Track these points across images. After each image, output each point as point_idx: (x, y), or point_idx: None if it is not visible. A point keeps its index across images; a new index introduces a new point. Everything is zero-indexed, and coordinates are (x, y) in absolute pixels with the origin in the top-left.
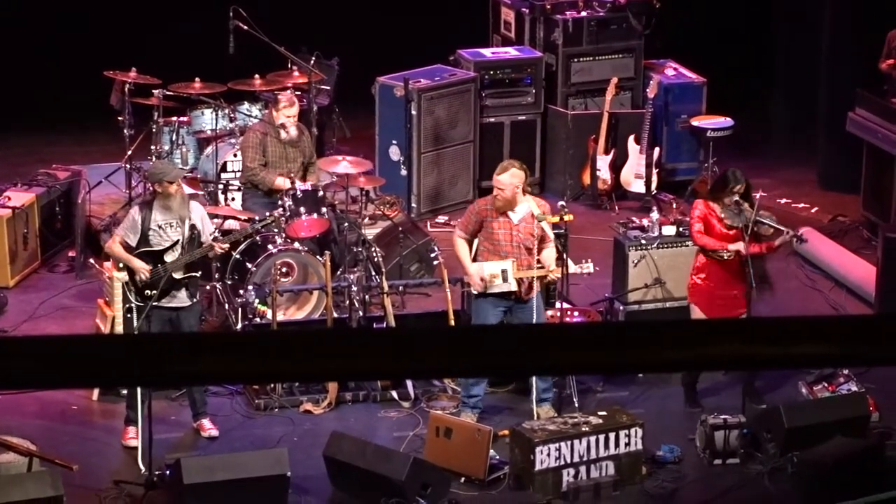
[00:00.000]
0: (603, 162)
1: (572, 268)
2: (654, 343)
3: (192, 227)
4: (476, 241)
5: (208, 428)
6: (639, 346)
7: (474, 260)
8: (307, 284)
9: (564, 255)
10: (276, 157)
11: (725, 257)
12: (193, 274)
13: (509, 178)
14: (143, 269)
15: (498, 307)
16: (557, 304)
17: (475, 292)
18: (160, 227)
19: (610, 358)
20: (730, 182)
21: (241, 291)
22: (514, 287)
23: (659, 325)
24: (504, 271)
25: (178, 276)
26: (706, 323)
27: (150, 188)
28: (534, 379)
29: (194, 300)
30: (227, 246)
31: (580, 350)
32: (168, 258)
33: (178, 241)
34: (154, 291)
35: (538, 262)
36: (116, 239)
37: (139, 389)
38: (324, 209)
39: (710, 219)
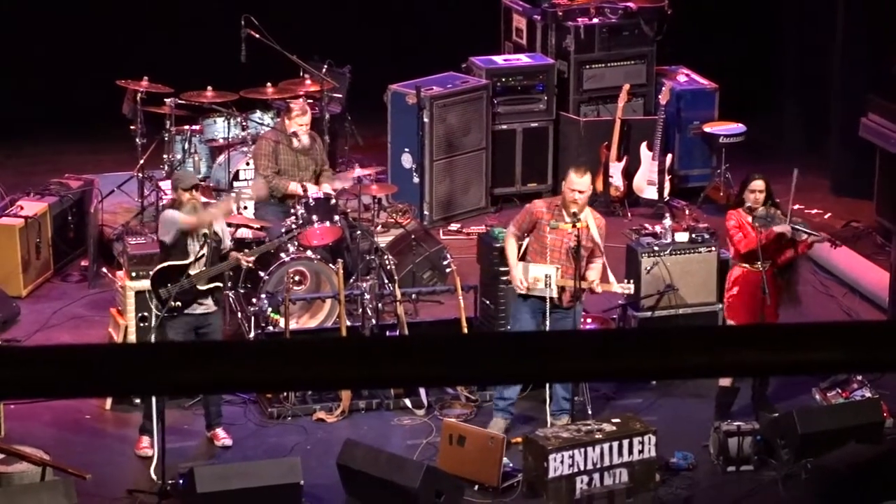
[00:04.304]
0: (615, 169)
1: (615, 286)
2: (668, 349)
3: (215, 233)
4: (526, 240)
5: (222, 437)
6: (653, 352)
7: (522, 258)
8: (320, 293)
9: (609, 275)
10: (288, 165)
11: (760, 268)
12: (218, 284)
13: (589, 180)
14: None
15: (536, 309)
16: None
17: (518, 291)
18: (186, 234)
19: (624, 364)
20: (749, 180)
21: (254, 300)
22: (554, 294)
23: (673, 331)
24: (548, 276)
25: (202, 287)
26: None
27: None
28: (557, 387)
29: (219, 306)
30: (252, 259)
31: (595, 357)
32: (192, 271)
33: (203, 255)
34: (178, 304)
35: (583, 278)
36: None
37: (153, 398)
38: (336, 217)
39: (745, 227)
